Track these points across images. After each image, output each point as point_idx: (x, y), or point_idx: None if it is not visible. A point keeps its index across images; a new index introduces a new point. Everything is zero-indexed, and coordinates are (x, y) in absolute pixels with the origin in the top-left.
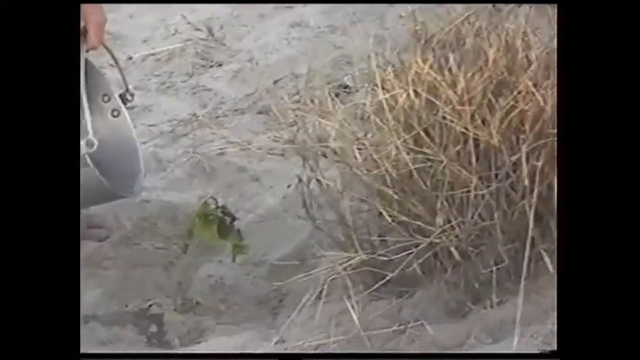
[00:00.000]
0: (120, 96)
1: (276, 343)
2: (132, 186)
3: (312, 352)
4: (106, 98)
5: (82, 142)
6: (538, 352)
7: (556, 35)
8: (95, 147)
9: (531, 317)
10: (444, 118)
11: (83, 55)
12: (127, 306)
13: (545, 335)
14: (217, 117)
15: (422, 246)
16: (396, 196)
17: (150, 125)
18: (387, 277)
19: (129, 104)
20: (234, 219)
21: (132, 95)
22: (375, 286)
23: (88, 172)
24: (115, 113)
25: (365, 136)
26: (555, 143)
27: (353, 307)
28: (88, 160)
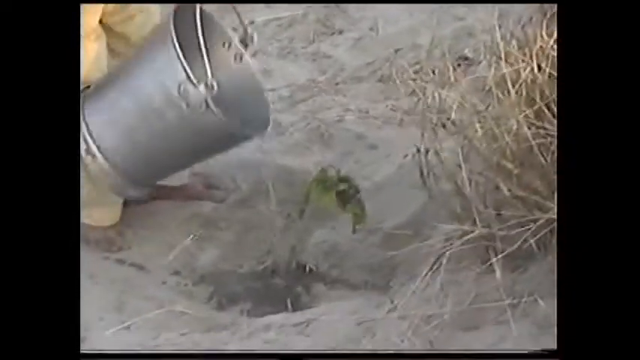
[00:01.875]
0: (240, 41)
1: (388, 311)
2: (260, 127)
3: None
4: (226, 45)
5: (202, 87)
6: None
7: (556, 35)
8: (215, 90)
9: None
10: None
11: (198, 8)
12: (241, 267)
13: None
14: (336, 84)
15: (540, 222)
16: (515, 170)
17: (269, 90)
18: (506, 252)
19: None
20: (357, 190)
21: (252, 39)
22: (492, 261)
23: (211, 116)
24: (238, 58)
25: (486, 109)
26: None
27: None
28: (212, 105)
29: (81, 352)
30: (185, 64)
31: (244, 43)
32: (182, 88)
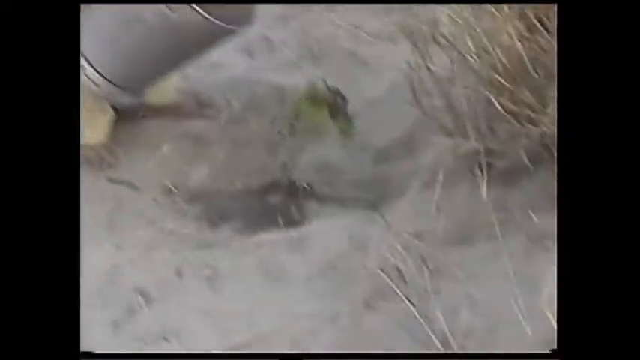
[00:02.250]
0: None
1: (380, 227)
2: (243, 20)
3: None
4: None
5: None
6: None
7: (556, 35)
8: None
9: None
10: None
11: None
12: (232, 185)
13: None
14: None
15: (533, 136)
16: (507, 85)
17: (260, 6)
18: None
19: None
20: (344, 99)
21: None
22: (484, 175)
23: (191, 13)
24: None
25: (481, 23)
26: None
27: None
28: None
29: (81, 351)
30: None
31: None
32: None
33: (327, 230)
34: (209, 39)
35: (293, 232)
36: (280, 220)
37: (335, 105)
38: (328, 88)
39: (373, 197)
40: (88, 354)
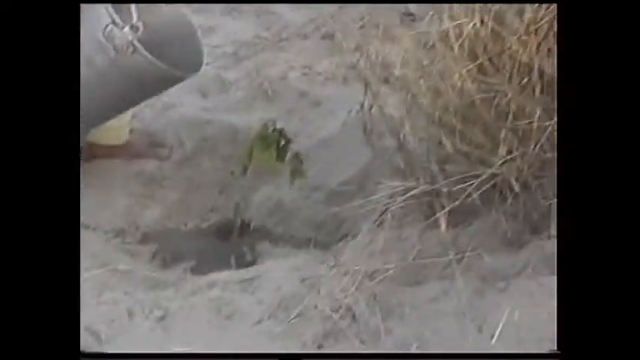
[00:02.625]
0: None
1: (332, 267)
2: (192, 67)
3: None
4: None
5: (127, 29)
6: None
7: (556, 35)
8: (141, 31)
9: None
10: (510, 48)
11: None
12: (185, 225)
13: None
14: (280, 40)
15: (484, 177)
16: (459, 126)
17: (213, 46)
18: (448, 208)
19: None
20: (288, 141)
21: None
22: (435, 216)
23: (139, 59)
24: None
25: (431, 63)
26: None
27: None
28: (139, 46)
29: (81, 352)
30: (109, 8)
31: None
32: (107, 31)
33: (279, 270)
34: (157, 84)
35: (245, 273)
36: (233, 261)
37: (281, 146)
38: (274, 129)
39: (326, 237)
40: (88, 354)
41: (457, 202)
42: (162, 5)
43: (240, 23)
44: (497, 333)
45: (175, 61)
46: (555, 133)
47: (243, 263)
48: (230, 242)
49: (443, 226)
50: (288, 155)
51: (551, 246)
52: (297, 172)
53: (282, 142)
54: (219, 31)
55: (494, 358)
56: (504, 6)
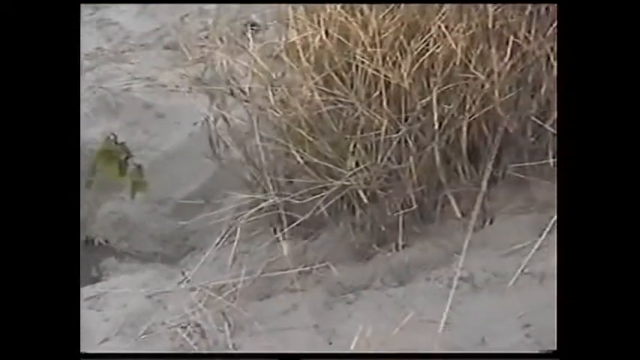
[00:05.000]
0: None
1: (179, 282)
2: None
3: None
4: None
5: None
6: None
7: (556, 35)
8: None
9: (438, 261)
10: (355, 59)
11: None
12: None
13: (449, 279)
14: (123, 52)
15: (333, 189)
16: (307, 138)
17: None
18: (298, 221)
19: None
20: (129, 155)
21: None
22: (284, 230)
23: None
24: None
25: (280, 76)
26: (466, 86)
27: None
28: None
29: (81, 352)
30: None
31: None
32: None
33: (125, 286)
34: None
35: (91, 289)
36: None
37: (122, 159)
38: (116, 142)
39: (173, 252)
40: (88, 354)
41: (307, 215)
42: None
43: (81, 35)
44: (352, 347)
45: None
46: (403, 142)
47: (88, 280)
48: None
49: (285, 248)
50: (129, 168)
51: (398, 257)
52: (137, 185)
53: (124, 156)
54: None
55: (494, 358)
56: (348, 18)
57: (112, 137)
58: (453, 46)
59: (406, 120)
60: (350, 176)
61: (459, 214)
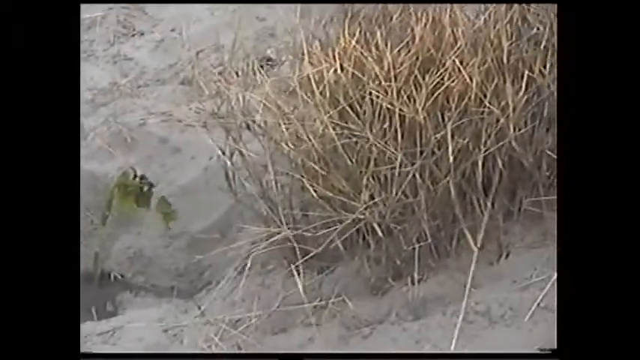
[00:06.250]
0: None
1: (195, 316)
2: None
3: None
4: None
5: None
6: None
7: (556, 35)
8: None
9: (453, 295)
10: (370, 94)
11: None
12: None
13: (466, 313)
14: (139, 87)
15: (346, 222)
16: (321, 171)
17: None
18: (312, 254)
19: None
20: (152, 186)
21: None
22: (298, 262)
23: None
24: None
25: (293, 110)
26: (481, 120)
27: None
28: None
29: (81, 352)
30: None
31: None
32: None
33: (141, 320)
34: None
35: (106, 324)
36: (94, 312)
37: (142, 191)
38: (135, 176)
39: (188, 286)
40: (88, 354)
41: (320, 249)
42: None
43: (96, 70)
44: None
45: None
46: (417, 176)
47: (104, 314)
48: (90, 292)
49: (300, 277)
50: (154, 200)
51: (414, 291)
52: (168, 216)
53: (146, 188)
54: None
55: (494, 358)
56: (363, 52)
57: (130, 171)
58: (468, 80)
59: (421, 154)
60: (364, 210)
61: (474, 248)
